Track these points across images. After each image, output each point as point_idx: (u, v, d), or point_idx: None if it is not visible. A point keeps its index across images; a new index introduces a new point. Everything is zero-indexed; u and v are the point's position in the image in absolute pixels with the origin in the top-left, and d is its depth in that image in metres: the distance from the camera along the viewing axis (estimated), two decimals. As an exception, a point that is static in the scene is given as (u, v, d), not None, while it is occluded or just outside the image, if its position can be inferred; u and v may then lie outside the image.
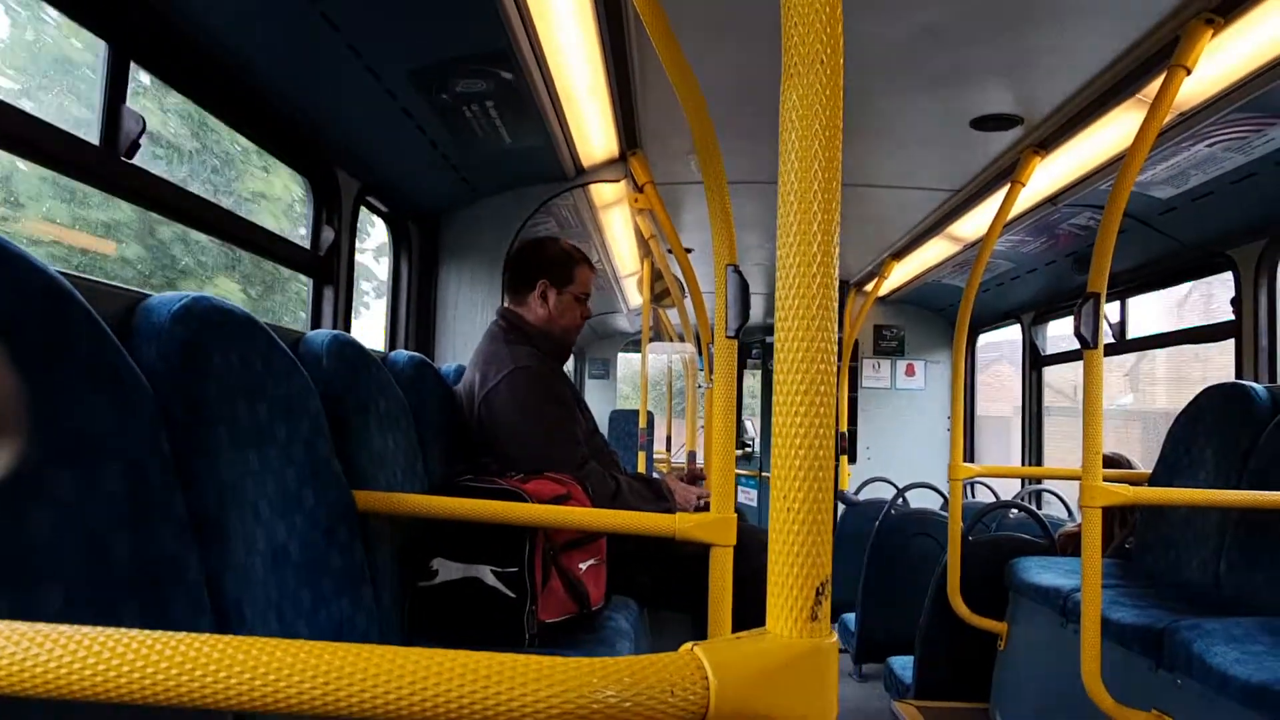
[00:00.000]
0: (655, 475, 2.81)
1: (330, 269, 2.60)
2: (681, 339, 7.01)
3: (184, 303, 1.32)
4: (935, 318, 6.26)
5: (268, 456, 1.45)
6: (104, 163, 1.63)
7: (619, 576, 2.35)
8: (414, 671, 0.54)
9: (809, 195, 0.65)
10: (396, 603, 1.92)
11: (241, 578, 1.30)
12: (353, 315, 2.70)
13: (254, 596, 1.33)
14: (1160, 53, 2.21)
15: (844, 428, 5.71)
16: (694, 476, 2.94)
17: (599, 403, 8.43)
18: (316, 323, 2.60)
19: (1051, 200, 3.49)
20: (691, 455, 5.36)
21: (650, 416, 6.35)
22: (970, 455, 5.88)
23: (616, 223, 4.41)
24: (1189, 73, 2.09)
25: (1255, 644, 1.90)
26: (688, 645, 0.62)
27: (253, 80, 2.11)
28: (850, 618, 4.73)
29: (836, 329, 0.66)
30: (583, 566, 2.14)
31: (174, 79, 1.91)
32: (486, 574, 1.97)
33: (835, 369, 0.67)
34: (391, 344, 3.25)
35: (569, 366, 7.19)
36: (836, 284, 0.66)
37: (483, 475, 2.15)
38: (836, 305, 0.66)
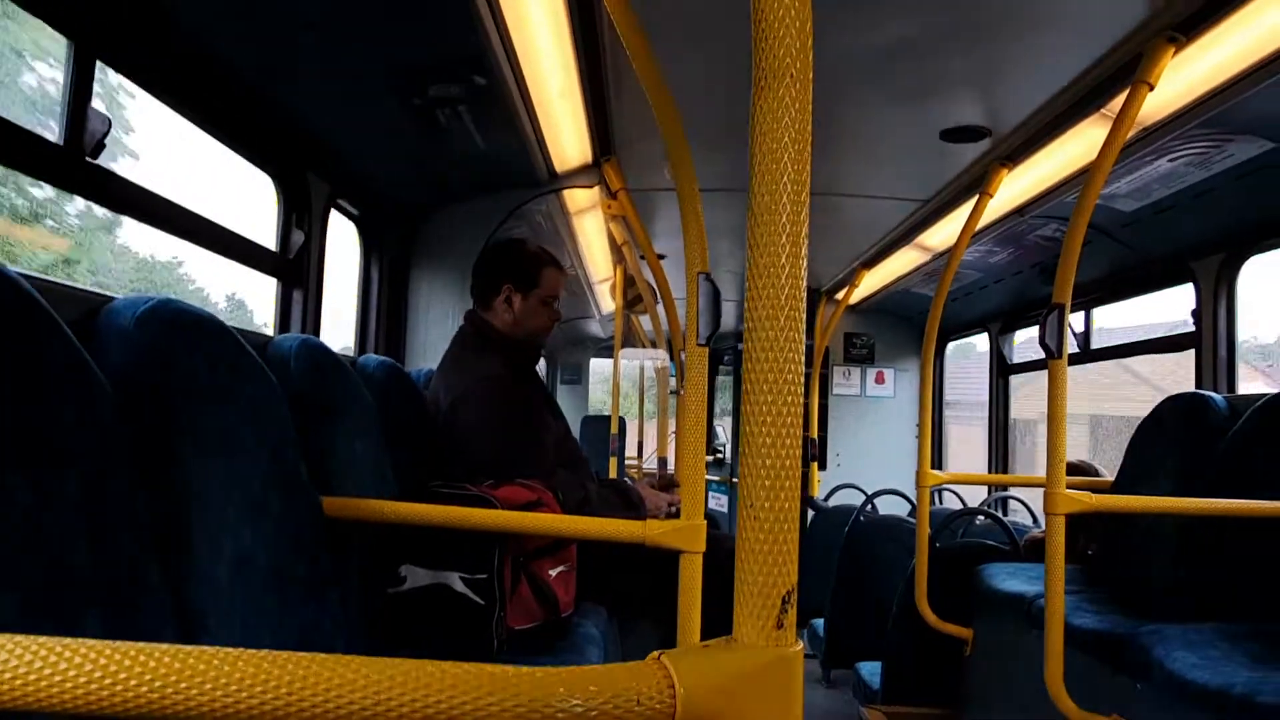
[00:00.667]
0: (627, 480, 2.80)
1: (299, 272, 2.58)
2: (654, 345, 7.02)
3: (149, 305, 1.30)
4: (905, 326, 6.33)
5: (234, 462, 1.43)
6: (67, 163, 1.60)
7: (589, 583, 2.34)
8: (376, 681, 0.54)
9: (778, 206, 0.66)
10: (365, 609, 1.91)
11: (206, 586, 1.28)
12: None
13: (219, 604, 1.32)
14: (1124, 69, 2.25)
15: (814, 434, 5.75)
16: (667, 484, 2.95)
17: (571, 409, 8.41)
18: (284, 326, 2.57)
19: (1019, 212, 3.54)
20: (663, 461, 5.37)
21: (622, 422, 6.34)
22: (939, 462, 5.93)
23: (590, 228, 4.42)
24: (1152, 89, 2.13)
25: (1212, 649, 1.94)
26: (654, 654, 0.62)
27: (221, 80, 2.09)
28: (819, 623, 4.76)
29: (804, 341, 0.67)
30: (553, 573, 2.14)
31: (140, 77, 1.88)
32: (455, 581, 1.96)
33: (803, 380, 0.67)
34: (361, 348, 3.23)
35: (541, 369, 7.17)
36: (805, 295, 0.67)
37: (453, 481, 2.14)
38: (804, 318, 0.67)
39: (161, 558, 1.20)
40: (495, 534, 1.94)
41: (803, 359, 0.68)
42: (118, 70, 1.77)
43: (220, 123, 2.20)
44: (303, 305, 2.56)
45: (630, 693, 0.58)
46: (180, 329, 1.34)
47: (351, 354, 3.07)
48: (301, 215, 2.58)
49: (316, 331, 2.63)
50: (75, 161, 1.61)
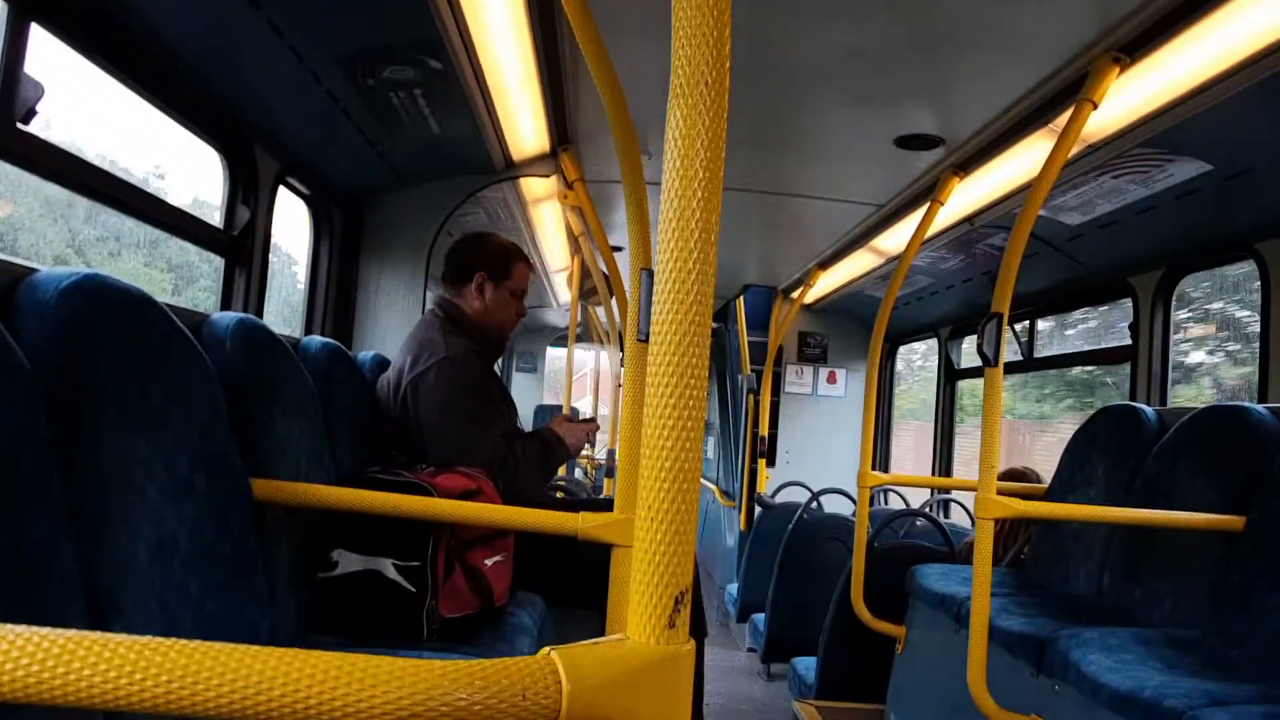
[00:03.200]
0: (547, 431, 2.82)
1: (244, 250, 2.54)
2: (608, 336, 7.03)
3: (73, 280, 1.27)
4: (858, 328, 6.40)
5: (159, 442, 1.41)
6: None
7: (525, 572, 2.35)
8: (257, 670, 0.54)
9: (687, 214, 0.66)
10: (293, 594, 1.89)
11: (121, 566, 1.26)
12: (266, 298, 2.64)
13: (134, 585, 1.30)
14: (1070, 87, 2.30)
15: (765, 432, 5.80)
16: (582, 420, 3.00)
17: (526, 398, 8.39)
18: (227, 304, 2.53)
19: (969, 220, 3.60)
20: (611, 453, 5.38)
21: (574, 412, 6.34)
22: (883, 463, 6.02)
23: (547, 218, 4.40)
24: (1096, 107, 2.18)
25: (1127, 653, 2.00)
26: (545, 650, 0.62)
27: (166, 50, 2.04)
28: (760, 618, 4.81)
29: (708, 355, 0.68)
30: (488, 562, 2.14)
31: (78, 42, 1.83)
32: (388, 567, 1.95)
33: (705, 385, 0.68)
34: (307, 329, 3.19)
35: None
36: (711, 302, 0.68)
37: (391, 467, 2.13)
38: (709, 326, 0.68)
39: (76, 538, 1.18)
40: (430, 521, 1.94)
41: (707, 362, 0.69)
42: (54, 34, 1.72)
43: (163, 93, 2.15)
44: (245, 283, 2.52)
45: (516, 687, 0.58)
46: (105, 305, 1.31)
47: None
48: (248, 192, 2.53)
49: (259, 310, 2.59)
50: (6, 128, 1.57)
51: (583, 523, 1.74)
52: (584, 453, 7.36)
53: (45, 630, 0.55)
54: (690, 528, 0.67)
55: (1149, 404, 3.19)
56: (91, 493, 1.24)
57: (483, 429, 2.49)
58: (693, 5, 0.65)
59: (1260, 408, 2.40)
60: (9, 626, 0.56)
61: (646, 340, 1.69)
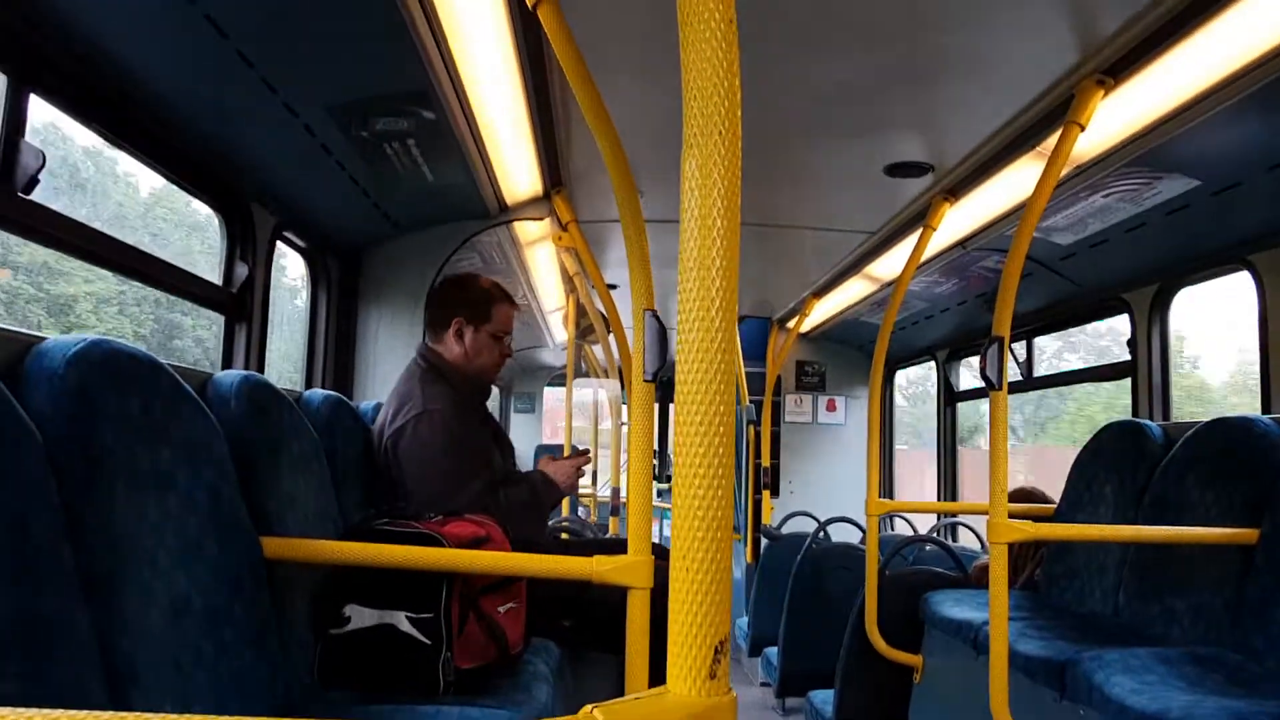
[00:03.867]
0: (537, 473, 2.78)
1: (244, 306, 2.54)
2: (606, 374, 7.03)
3: (80, 347, 1.27)
4: (855, 354, 6.42)
5: (168, 505, 1.40)
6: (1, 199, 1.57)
7: (539, 619, 2.32)
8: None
9: (708, 261, 0.67)
10: (305, 651, 1.87)
11: (136, 633, 1.25)
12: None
13: (150, 652, 1.28)
14: (1057, 110, 2.33)
15: (767, 462, 5.78)
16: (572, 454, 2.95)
17: (524, 438, 8.36)
18: (228, 362, 2.53)
19: (961, 244, 3.63)
20: (616, 491, 5.35)
21: (575, 448, 6.31)
22: (888, 489, 6.00)
23: (542, 259, 4.42)
24: (1083, 129, 2.21)
25: (1150, 674, 1.98)
26: (587, 708, 0.62)
27: (163, 113, 2.06)
28: (773, 652, 4.76)
29: (734, 399, 0.68)
30: (501, 610, 2.11)
31: (79, 110, 1.85)
32: (401, 620, 1.92)
33: (734, 430, 0.68)
34: (308, 382, 3.18)
35: (493, 402, 7.13)
36: (735, 346, 0.68)
37: (398, 518, 2.11)
38: (734, 371, 0.68)
39: (90, 605, 1.17)
40: (442, 571, 1.92)
41: (734, 406, 0.69)
42: (53, 104, 1.74)
43: (162, 156, 2.17)
44: (246, 340, 2.52)
45: None
46: (112, 369, 1.31)
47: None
48: (246, 248, 2.54)
49: (261, 367, 2.59)
50: (9, 198, 1.58)
51: (597, 566, 1.72)
52: (585, 489, 7.33)
53: (65, 713, 0.54)
54: (726, 575, 0.66)
55: (1152, 419, 3.19)
56: (103, 559, 1.23)
57: (461, 483, 2.43)
58: (703, 58, 0.66)
59: (1266, 418, 2.40)
60: (26, 712, 0.55)
61: (653, 381, 1.69)
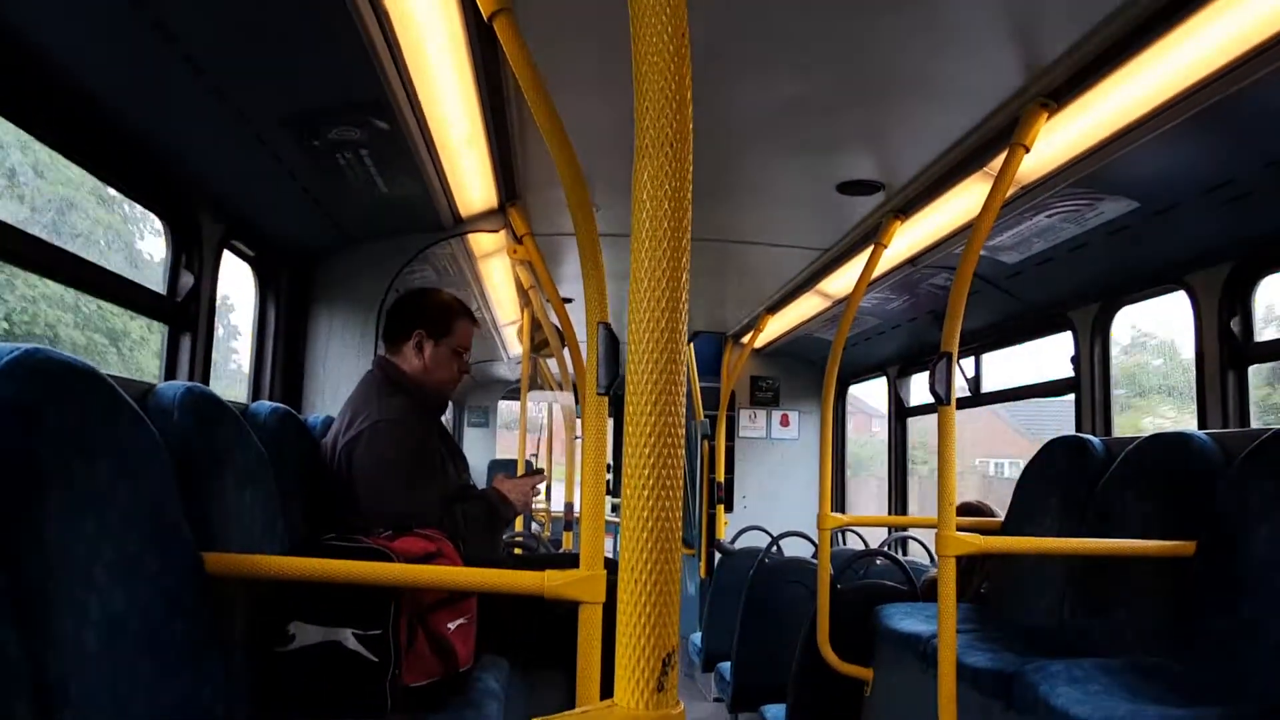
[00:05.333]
0: (492, 489, 2.76)
1: (189, 316, 2.48)
2: (561, 388, 7.01)
3: (14, 356, 1.23)
4: (809, 370, 6.48)
5: (106, 520, 1.36)
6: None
7: (490, 634, 2.29)
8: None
9: (658, 274, 0.67)
10: (249, 671, 1.82)
11: (69, 653, 1.20)
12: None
13: (83, 673, 1.23)
14: (1002, 132, 2.39)
15: (721, 477, 5.80)
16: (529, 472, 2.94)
17: (479, 452, 8.28)
18: (172, 373, 2.46)
19: (911, 262, 3.69)
20: (569, 506, 5.32)
21: (529, 465, 6.27)
22: (840, 503, 6.06)
23: (496, 272, 4.40)
24: (1028, 150, 2.27)
25: (1094, 684, 2.02)
26: None
27: (106, 119, 2.01)
28: (726, 667, 4.76)
29: (683, 412, 0.68)
30: (451, 626, 2.08)
31: (14, 114, 1.80)
32: (348, 637, 1.89)
33: (682, 442, 0.68)
34: (255, 394, 3.11)
35: (447, 416, 7.06)
36: (683, 357, 0.68)
37: (347, 533, 2.08)
38: (683, 383, 0.68)
39: (19, 625, 1.13)
40: (391, 587, 1.89)
41: (683, 419, 0.69)
42: (-10, 106, 1.69)
43: (100, 160, 2.12)
44: (190, 351, 2.46)
45: None
46: (49, 379, 1.27)
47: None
48: (191, 256, 2.49)
49: (206, 378, 2.53)
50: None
51: (548, 581, 1.70)
52: (539, 504, 7.28)
53: None
54: (674, 587, 0.66)
55: (1094, 433, 3.27)
56: (36, 577, 1.18)
57: (418, 494, 2.41)
58: (655, 71, 0.66)
59: (1201, 434, 2.47)
60: None
61: (606, 393, 1.69)
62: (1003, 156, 2.30)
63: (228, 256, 2.71)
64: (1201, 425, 2.75)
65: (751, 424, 6.46)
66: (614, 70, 2.27)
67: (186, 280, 2.47)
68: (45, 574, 1.20)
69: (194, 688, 1.53)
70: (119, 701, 1.31)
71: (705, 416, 6.04)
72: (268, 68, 1.99)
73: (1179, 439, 2.48)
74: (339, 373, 3.29)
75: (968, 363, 4.39)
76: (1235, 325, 2.72)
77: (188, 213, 2.47)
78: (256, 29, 1.82)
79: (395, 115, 2.27)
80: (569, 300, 4.54)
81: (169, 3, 1.64)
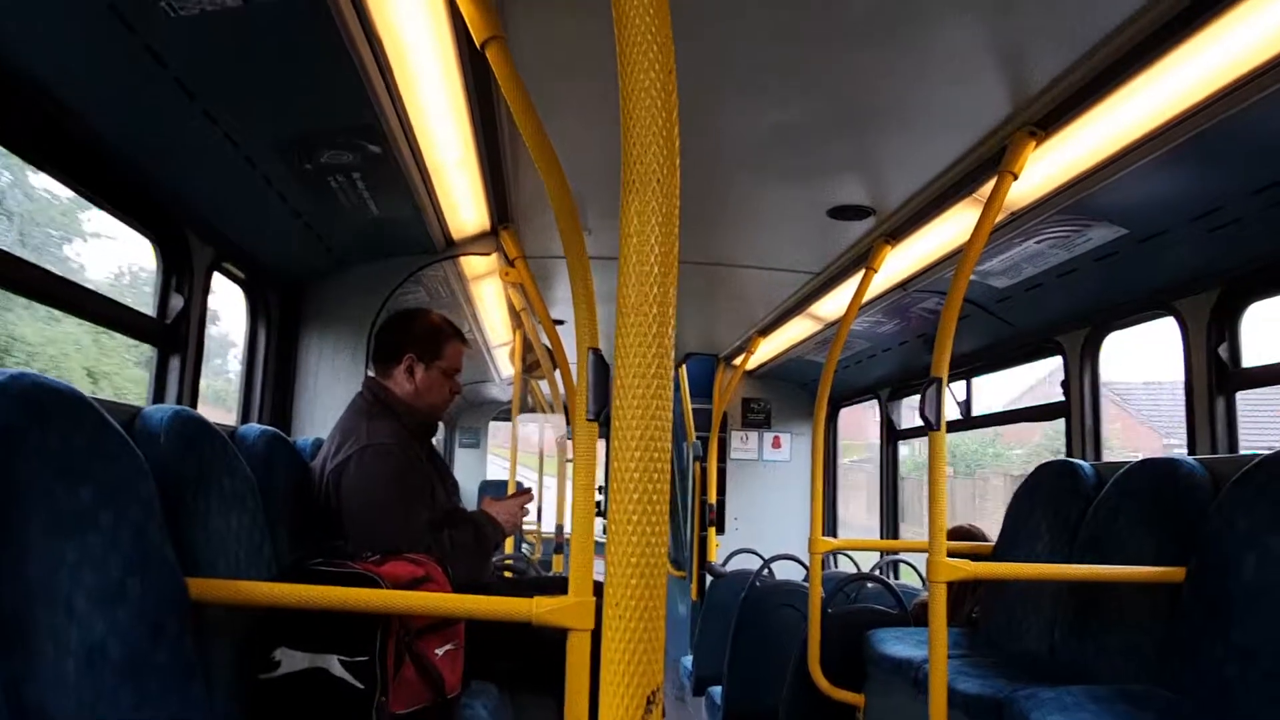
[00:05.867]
0: (479, 511, 2.74)
1: (177, 338, 2.47)
2: (552, 409, 6.99)
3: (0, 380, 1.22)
4: (800, 392, 6.48)
5: (88, 545, 1.34)
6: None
7: (478, 661, 2.27)
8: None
9: (645, 306, 0.67)
10: (233, 698, 1.80)
11: (48, 681, 1.19)
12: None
13: (63, 701, 1.22)
14: (991, 159, 2.41)
15: (713, 498, 5.78)
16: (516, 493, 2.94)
17: (469, 473, 8.25)
18: (160, 396, 2.45)
19: (902, 286, 3.70)
20: (560, 528, 5.30)
21: (519, 486, 6.23)
22: (831, 526, 6.04)
23: (488, 294, 4.40)
24: (1016, 178, 2.29)
25: (1083, 712, 2.01)
26: None
27: (95, 140, 2.01)
28: (717, 690, 4.72)
29: (669, 441, 0.68)
30: (439, 652, 2.07)
31: (7, 136, 1.80)
32: (334, 664, 1.87)
33: (669, 472, 0.68)
34: (244, 417, 3.10)
35: (438, 437, 7.03)
36: (670, 386, 0.68)
37: (335, 558, 2.06)
38: (670, 412, 0.68)
39: (0, 652, 1.11)
40: (379, 613, 1.87)
41: (669, 449, 0.68)
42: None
43: (90, 181, 2.11)
44: (180, 373, 2.45)
45: None
46: (32, 403, 1.26)
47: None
48: (181, 279, 2.48)
49: (194, 401, 2.51)
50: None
51: (536, 608, 1.69)
52: (529, 526, 7.24)
53: None
54: (659, 621, 0.65)
55: (1084, 458, 3.27)
56: (16, 603, 1.17)
57: (406, 520, 2.39)
58: (642, 107, 0.66)
59: (1190, 459, 2.48)
60: None
61: (596, 419, 1.68)
62: (992, 183, 2.32)
63: (218, 279, 2.71)
64: (1191, 451, 2.76)
65: (743, 445, 6.45)
66: (605, 95, 2.28)
67: (176, 302, 2.47)
68: (24, 599, 1.19)
69: (178, 715, 1.51)
70: None
71: (697, 438, 6.02)
72: (259, 91, 2.00)
73: (1168, 464, 2.49)
74: (330, 395, 3.28)
75: (958, 387, 4.40)
76: (1223, 351, 2.73)
77: (178, 235, 2.47)
78: (248, 53, 1.83)
79: (388, 139, 2.28)
80: (561, 322, 4.54)
81: (160, 27, 1.65)
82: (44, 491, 1.26)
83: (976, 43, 1.96)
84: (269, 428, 2.38)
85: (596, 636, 1.72)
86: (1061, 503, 2.88)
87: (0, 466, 1.20)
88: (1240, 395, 2.72)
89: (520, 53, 1.66)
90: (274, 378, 3.19)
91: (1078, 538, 2.73)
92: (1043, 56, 2.01)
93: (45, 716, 1.17)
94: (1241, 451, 2.65)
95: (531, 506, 2.92)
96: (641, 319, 0.67)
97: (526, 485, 4.00)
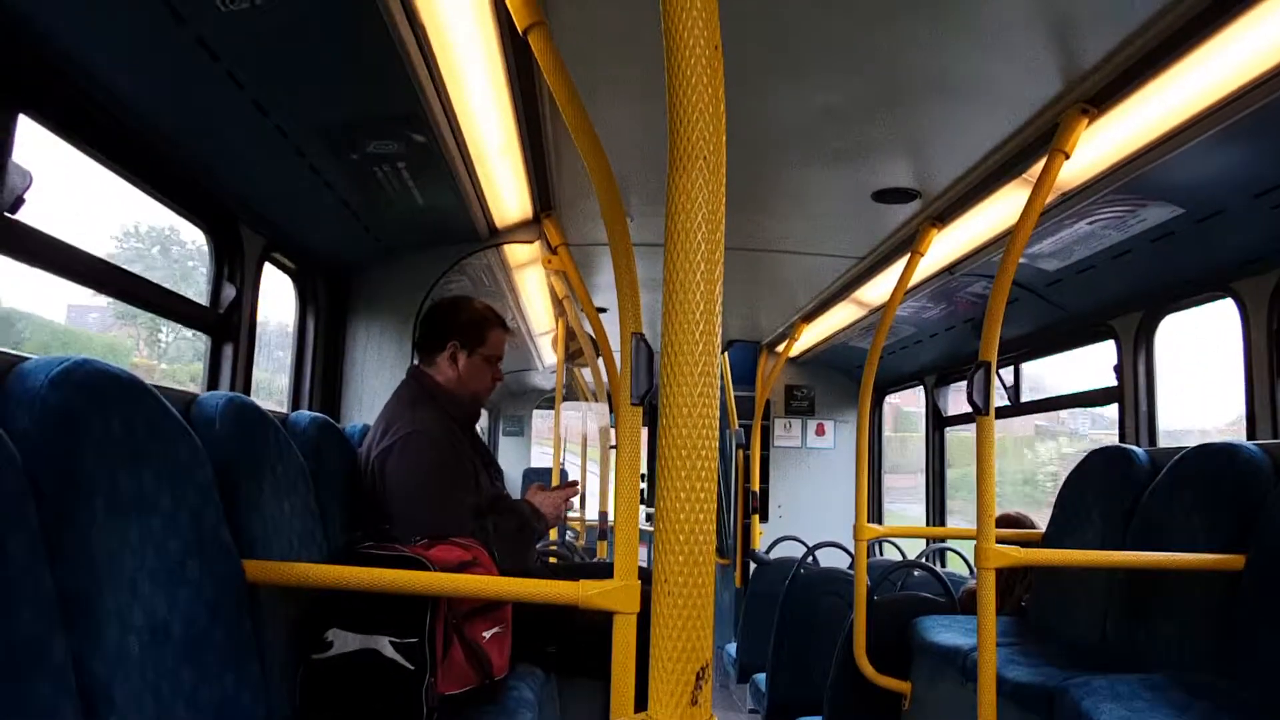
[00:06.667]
0: (524, 501, 2.76)
1: (231, 327, 2.53)
2: (595, 398, 7.02)
3: (63, 367, 1.26)
4: (844, 379, 6.43)
5: (150, 527, 1.38)
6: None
7: (524, 644, 2.30)
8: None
9: (692, 285, 0.67)
10: (287, 677, 1.84)
11: (113, 658, 1.23)
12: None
13: (127, 677, 1.26)
14: (1041, 138, 2.36)
15: (756, 486, 5.77)
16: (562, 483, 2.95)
17: (513, 461, 8.33)
18: (214, 383, 2.51)
19: (949, 270, 3.65)
20: (604, 515, 5.33)
21: (564, 474, 6.28)
22: (877, 513, 5.99)
23: (531, 282, 4.43)
24: (1068, 157, 2.24)
25: (1138, 701, 1.98)
26: None
27: (151, 133, 2.06)
28: (761, 678, 4.72)
29: (717, 424, 0.68)
30: (486, 635, 2.09)
31: (66, 130, 1.85)
32: (385, 645, 1.90)
33: (716, 455, 0.68)
34: (295, 404, 3.16)
35: (482, 424, 7.10)
36: (716, 369, 0.68)
37: (384, 541, 2.10)
38: (717, 395, 0.68)
39: (66, 629, 1.15)
40: (427, 596, 1.90)
41: (717, 431, 0.68)
42: (41, 124, 1.74)
43: (148, 175, 2.17)
44: (233, 361, 2.50)
45: None
46: (95, 390, 1.30)
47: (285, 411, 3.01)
48: (234, 269, 2.54)
49: (247, 389, 2.57)
50: (-7, 216, 1.57)
51: (583, 591, 1.71)
52: (573, 514, 7.30)
53: None
54: (707, 600, 0.66)
55: (1139, 444, 3.20)
56: (82, 583, 1.21)
57: (450, 506, 2.42)
58: (688, 84, 0.66)
59: (1250, 445, 2.41)
60: None
61: (640, 404, 1.69)
62: (1042, 163, 2.27)
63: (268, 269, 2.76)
64: (1250, 436, 2.69)
65: (786, 433, 6.42)
66: (648, 80, 2.28)
67: (229, 292, 2.52)
68: (90, 579, 1.22)
69: (234, 693, 1.55)
70: (161, 705, 1.33)
71: (740, 425, 6.01)
72: (307, 82, 2.03)
73: (1227, 449, 2.42)
74: (377, 382, 3.33)
75: (1007, 372, 4.33)
76: None
77: (230, 226, 2.52)
78: (296, 45, 1.86)
79: (431, 128, 2.30)
80: (603, 310, 4.55)
81: (211, 20, 1.68)
82: (107, 475, 1.30)
83: (1027, 17, 1.91)
84: (319, 414, 2.42)
85: (642, 620, 1.73)
86: (1114, 489, 2.82)
87: (64, 451, 1.24)
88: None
89: (562, 38, 1.66)
90: (323, 366, 3.25)
91: (1131, 524, 2.67)
92: (1096, 31, 1.95)
93: (108, 692, 1.21)
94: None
95: (575, 499, 2.94)
96: (689, 297, 0.67)
97: (572, 478, 4.03)
